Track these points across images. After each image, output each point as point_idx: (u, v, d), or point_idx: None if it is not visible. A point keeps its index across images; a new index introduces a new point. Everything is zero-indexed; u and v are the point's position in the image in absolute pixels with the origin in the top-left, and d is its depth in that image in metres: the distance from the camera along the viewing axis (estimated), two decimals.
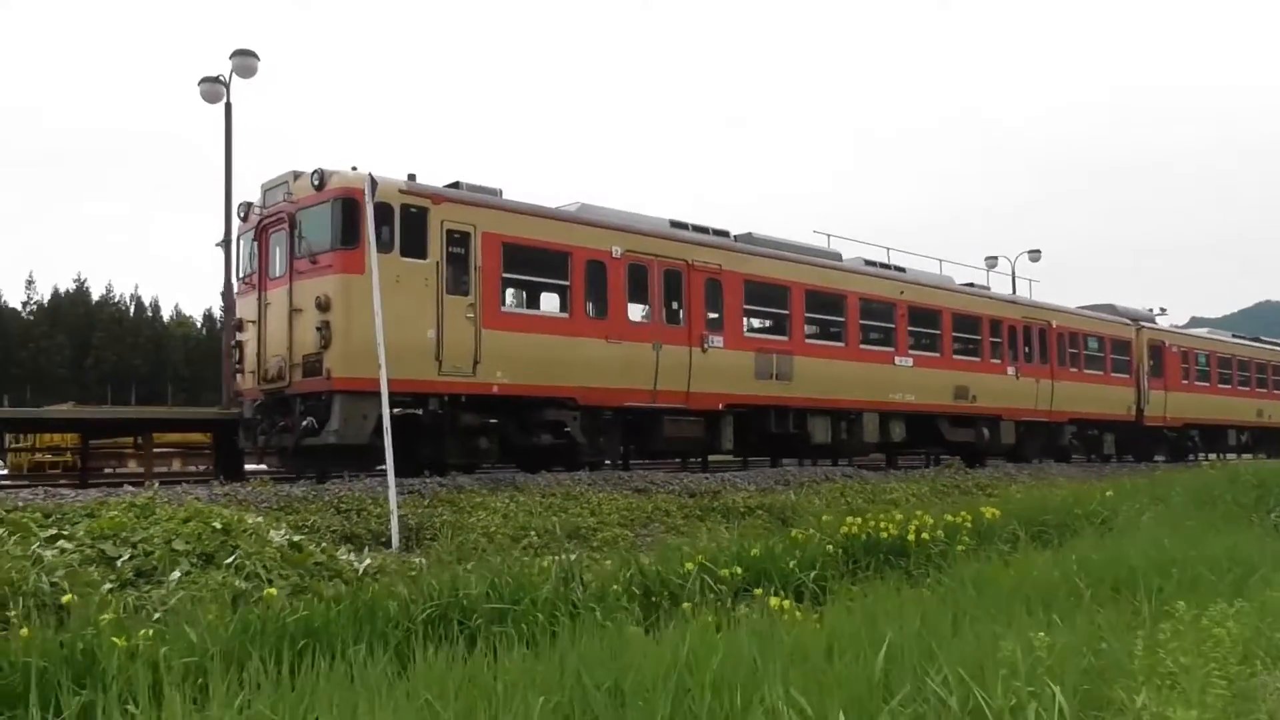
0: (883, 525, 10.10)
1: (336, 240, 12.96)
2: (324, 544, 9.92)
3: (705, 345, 16.75)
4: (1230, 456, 31.83)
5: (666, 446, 17.34)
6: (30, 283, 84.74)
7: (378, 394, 12.87)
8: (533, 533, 11.52)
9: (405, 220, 13.36)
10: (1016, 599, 7.46)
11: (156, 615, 6.65)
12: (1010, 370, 23.75)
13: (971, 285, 24.71)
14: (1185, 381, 30.65)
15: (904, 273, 21.93)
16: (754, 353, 17.68)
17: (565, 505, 12.98)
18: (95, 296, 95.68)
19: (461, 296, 13.87)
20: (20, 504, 9.84)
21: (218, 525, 8.79)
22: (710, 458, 20.90)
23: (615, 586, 7.71)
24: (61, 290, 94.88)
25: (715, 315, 17.22)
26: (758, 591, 7.67)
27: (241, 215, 14.69)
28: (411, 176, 14.23)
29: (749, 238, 18.68)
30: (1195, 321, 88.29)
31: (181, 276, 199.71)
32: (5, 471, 24.59)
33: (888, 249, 22.86)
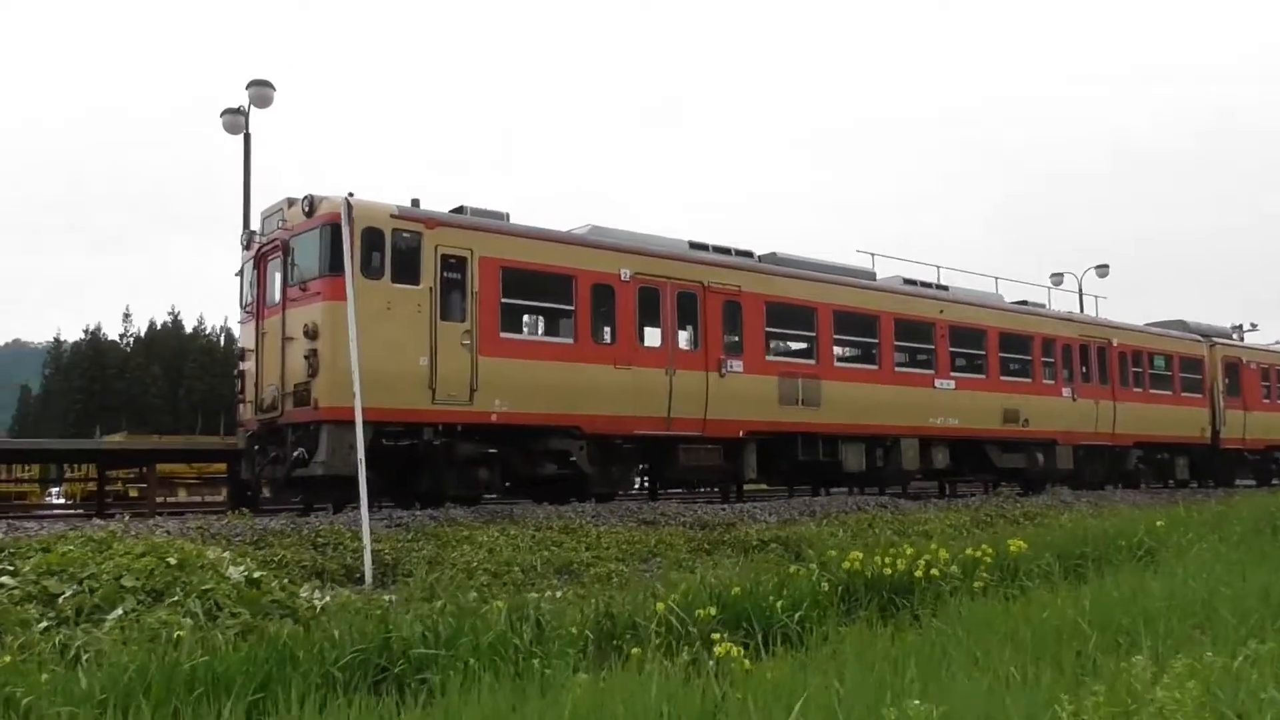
0: (886, 560, 9.36)
1: (325, 267, 12.71)
2: (287, 581, 9.51)
3: (723, 370, 16.10)
4: None
5: (683, 476, 16.71)
6: (127, 316, 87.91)
7: (365, 423, 12.61)
8: (516, 568, 11.02)
9: (397, 245, 13.05)
10: (1009, 644, 6.77)
11: (86, 656, 6.35)
12: (1066, 391, 22.57)
13: (1025, 303, 23.58)
14: (1267, 401, 28.88)
15: (946, 291, 20.99)
16: (778, 377, 16.97)
17: (560, 539, 12.45)
18: (188, 329, 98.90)
19: (457, 323, 13.50)
20: None
21: (172, 560, 8.47)
22: (745, 487, 20.18)
23: (572, 629, 7.16)
24: (157, 323, 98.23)
25: (734, 338, 16.59)
26: (715, 637, 7.09)
27: (244, 244, 14.58)
28: (415, 202, 13.97)
29: (773, 258, 18.02)
30: None
31: None
32: (61, 500, 25.05)
33: (937, 267, 21.99)
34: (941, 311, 20.09)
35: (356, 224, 12.78)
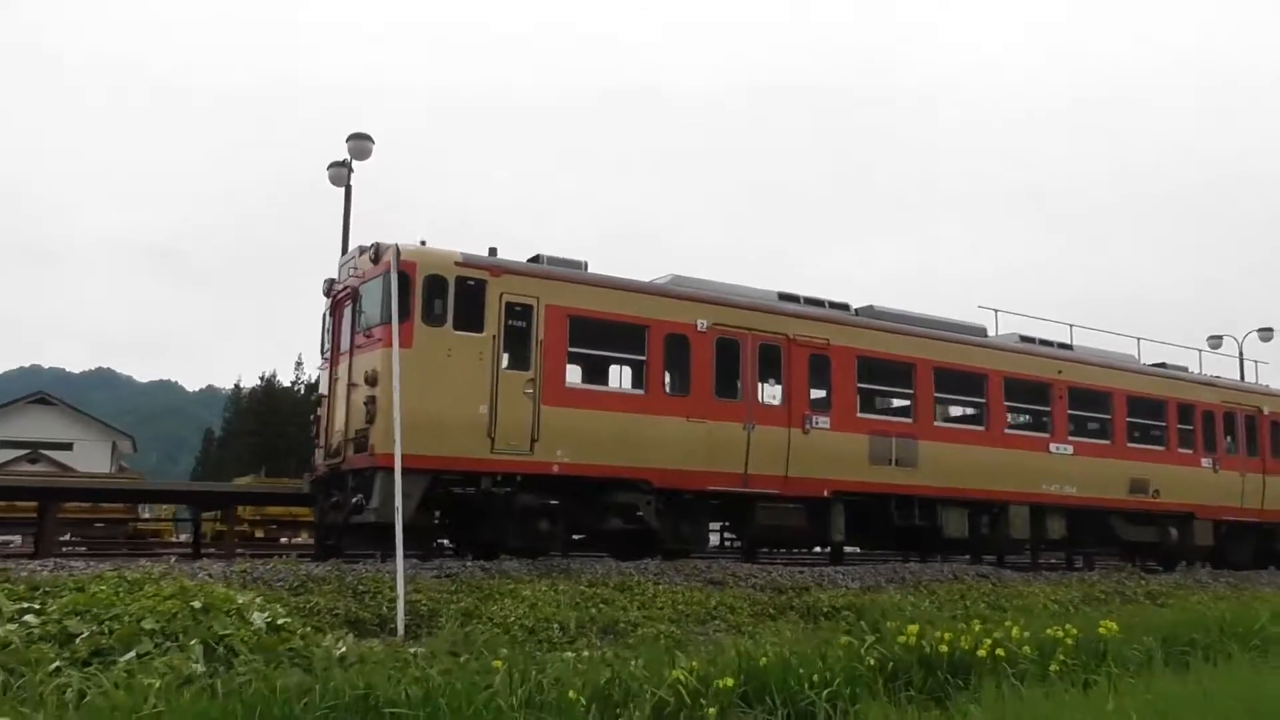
0: (947, 636, 8.57)
1: (387, 314, 12.76)
2: (309, 628, 9.38)
3: (807, 426, 15.40)
4: None
5: (762, 535, 15.98)
6: (299, 364, 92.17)
7: (421, 471, 12.54)
8: (555, 625, 10.63)
9: (460, 292, 13.02)
10: None
11: (86, 699, 6.34)
12: (1206, 461, 20.73)
13: (1163, 365, 21.87)
14: None
15: (1070, 350, 19.67)
16: (869, 435, 16.11)
17: (612, 596, 11.99)
18: None
19: (521, 371, 13.33)
20: (23, 573, 9.96)
21: (197, 604, 8.48)
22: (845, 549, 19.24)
23: (571, 694, 6.74)
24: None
25: (821, 394, 15.85)
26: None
27: (325, 291, 14.85)
28: (492, 250, 13.97)
29: (869, 310, 17.24)
30: None
31: None
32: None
33: (1070, 326, 20.70)
34: (1060, 371, 18.80)
35: (420, 271, 12.87)
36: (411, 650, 8.95)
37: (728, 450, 14.66)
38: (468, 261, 13.25)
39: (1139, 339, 21.60)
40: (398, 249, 11.12)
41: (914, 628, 8.79)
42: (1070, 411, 18.86)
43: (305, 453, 16.36)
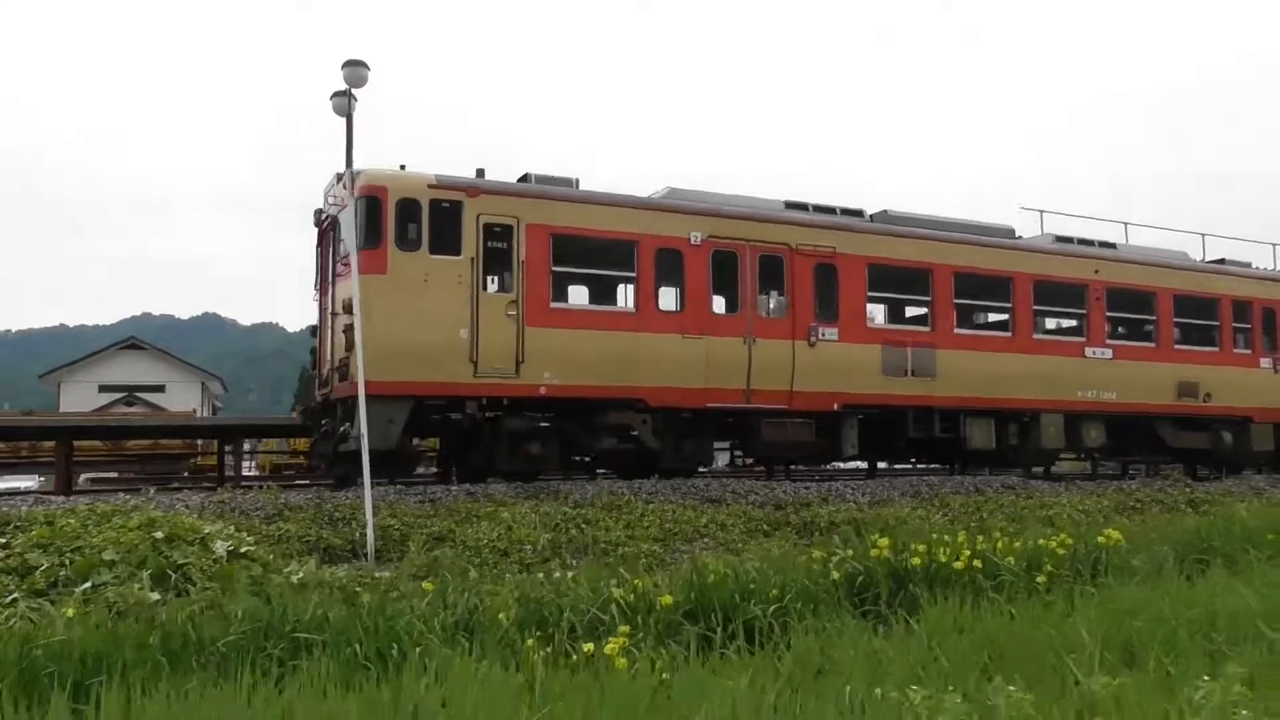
0: (916, 549, 8.21)
1: (361, 240, 12.57)
2: (274, 557, 9.43)
3: (813, 338, 14.86)
4: None
5: (767, 452, 15.57)
6: None
7: (402, 397, 12.45)
8: (528, 546, 10.51)
9: (435, 216, 12.76)
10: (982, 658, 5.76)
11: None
12: (1265, 362, 19.54)
13: (1222, 261, 20.53)
14: None
15: (1112, 248, 18.58)
16: (881, 345, 15.50)
17: (598, 517, 11.79)
18: None
19: (502, 293, 13.07)
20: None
21: (159, 535, 8.58)
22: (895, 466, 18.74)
23: (501, 616, 6.61)
24: None
25: (828, 304, 15.25)
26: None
27: (315, 222, 14.73)
28: (479, 172, 13.66)
29: (884, 215, 16.46)
30: None
31: None
32: (254, 472, 26.87)
33: (1125, 224, 19.61)
34: (1097, 271, 17.78)
35: (392, 195, 12.65)
36: (378, 574, 8.94)
37: (728, 367, 14.24)
38: (441, 183, 12.96)
39: (1204, 235, 20.35)
40: (353, 175, 10.89)
41: (885, 540, 8.43)
42: (1109, 314, 17.91)
43: None
